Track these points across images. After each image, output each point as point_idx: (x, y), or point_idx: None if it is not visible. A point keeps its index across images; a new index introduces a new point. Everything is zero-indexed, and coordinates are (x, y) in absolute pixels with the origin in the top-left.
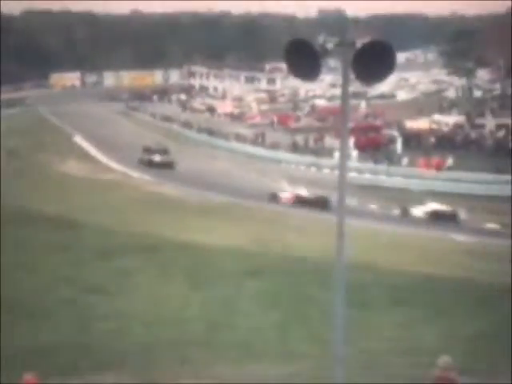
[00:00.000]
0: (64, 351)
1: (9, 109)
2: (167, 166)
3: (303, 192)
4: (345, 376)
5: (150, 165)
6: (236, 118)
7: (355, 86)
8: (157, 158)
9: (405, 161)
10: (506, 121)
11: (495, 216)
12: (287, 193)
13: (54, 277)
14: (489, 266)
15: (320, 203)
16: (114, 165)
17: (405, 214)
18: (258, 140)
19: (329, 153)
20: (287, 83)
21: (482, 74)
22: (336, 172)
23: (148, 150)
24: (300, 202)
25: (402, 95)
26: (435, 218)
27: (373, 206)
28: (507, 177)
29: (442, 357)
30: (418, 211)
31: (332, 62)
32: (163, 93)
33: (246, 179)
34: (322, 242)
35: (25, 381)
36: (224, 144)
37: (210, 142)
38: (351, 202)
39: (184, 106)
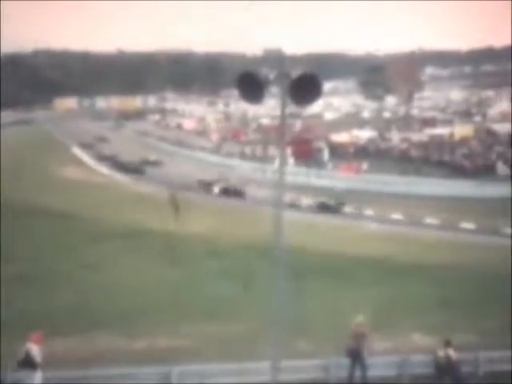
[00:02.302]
0: (64, 314)
1: (21, 126)
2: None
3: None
4: (282, 333)
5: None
6: (199, 133)
7: (291, 108)
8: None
9: (330, 166)
10: (408, 135)
11: (399, 208)
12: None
13: (56, 256)
14: (395, 248)
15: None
16: (103, 170)
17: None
18: (216, 150)
19: (271, 160)
20: (239, 106)
21: (390, 100)
22: (276, 175)
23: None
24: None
25: (329, 115)
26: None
27: (305, 201)
28: (409, 178)
29: (356, 316)
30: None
31: (273, 90)
32: (142, 113)
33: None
34: (266, 230)
35: (32, 338)
36: (189, 153)
37: (179, 151)
38: (288, 198)
39: (158, 123)
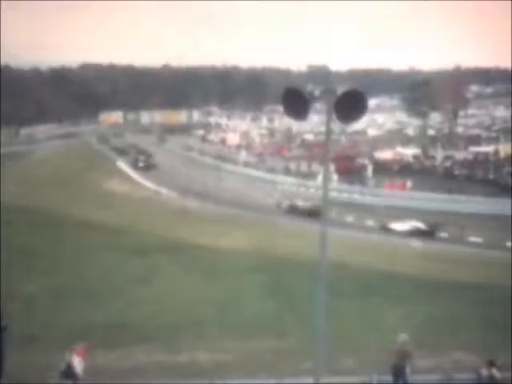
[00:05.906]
0: (107, 328)
1: (67, 139)
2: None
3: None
4: (325, 349)
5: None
6: (243, 148)
7: (336, 125)
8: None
9: (374, 183)
10: (452, 153)
11: (443, 226)
12: None
13: (100, 269)
14: (438, 266)
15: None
16: (147, 183)
17: (384, 228)
18: (260, 165)
19: (314, 176)
20: (283, 122)
21: (434, 117)
22: (320, 191)
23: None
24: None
25: (373, 132)
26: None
27: (348, 218)
28: (453, 196)
29: (400, 335)
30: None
31: (318, 106)
32: (186, 128)
33: (249, 196)
34: (307, 245)
35: (76, 349)
36: (233, 168)
37: (222, 166)
38: (331, 214)
39: (202, 138)
